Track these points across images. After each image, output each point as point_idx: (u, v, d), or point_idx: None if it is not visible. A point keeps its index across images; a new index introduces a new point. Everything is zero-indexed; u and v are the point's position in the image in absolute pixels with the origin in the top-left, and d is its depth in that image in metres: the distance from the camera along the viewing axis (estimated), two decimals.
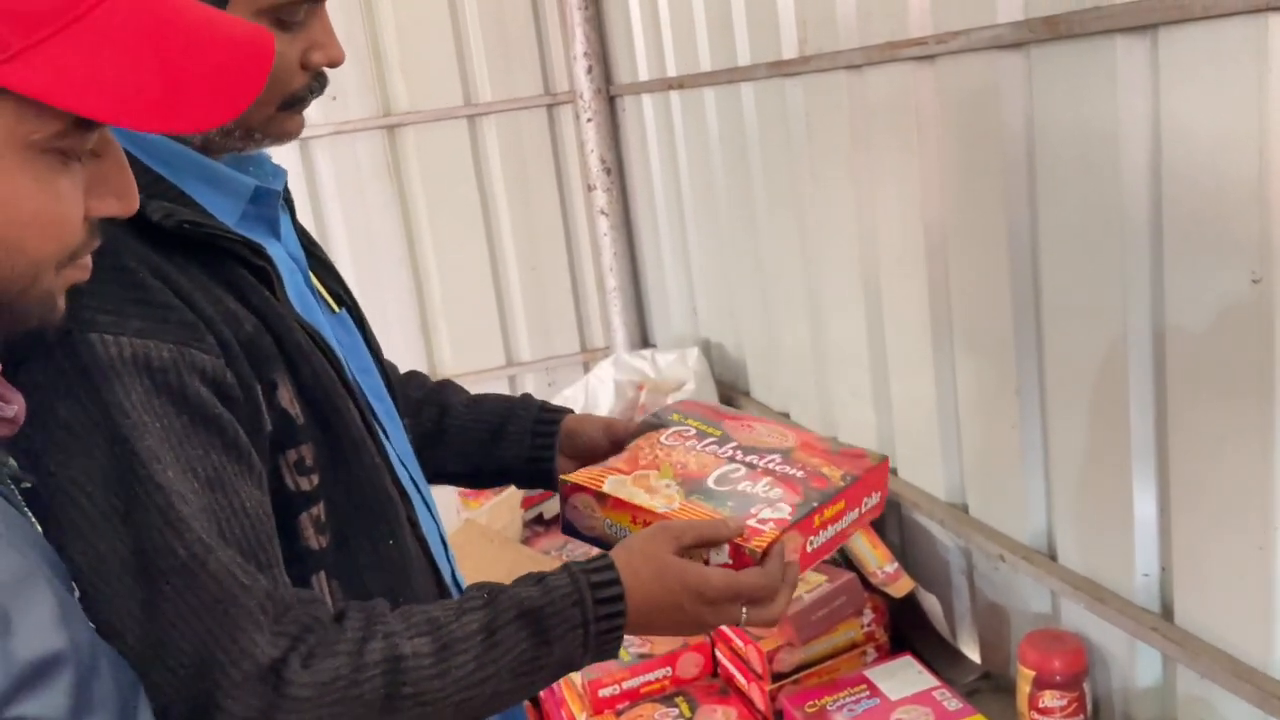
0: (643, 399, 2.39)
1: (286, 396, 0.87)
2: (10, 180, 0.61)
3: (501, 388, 2.81)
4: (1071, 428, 1.36)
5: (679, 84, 2.29)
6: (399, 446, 1.03)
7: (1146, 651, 1.32)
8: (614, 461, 1.10)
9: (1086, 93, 1.22)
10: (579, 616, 0.86)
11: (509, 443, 1.20)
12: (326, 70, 0.93)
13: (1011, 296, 1.41)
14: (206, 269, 0.85)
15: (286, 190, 1.02)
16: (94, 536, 0.76)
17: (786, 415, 2.11)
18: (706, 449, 1.11)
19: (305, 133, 2.89)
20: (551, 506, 2.52)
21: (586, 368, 2.80)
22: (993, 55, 1.34)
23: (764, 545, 0.94)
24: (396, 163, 2.72)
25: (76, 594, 0.75)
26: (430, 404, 1.24)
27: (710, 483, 1.05)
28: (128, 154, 0.85)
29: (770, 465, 1.08)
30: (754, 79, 1.96)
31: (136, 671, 0.77)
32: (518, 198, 2.81)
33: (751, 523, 0.98)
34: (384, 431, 0.99)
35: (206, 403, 0.80)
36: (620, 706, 1.66)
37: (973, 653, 1.67)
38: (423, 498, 1.05)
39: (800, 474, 1.07)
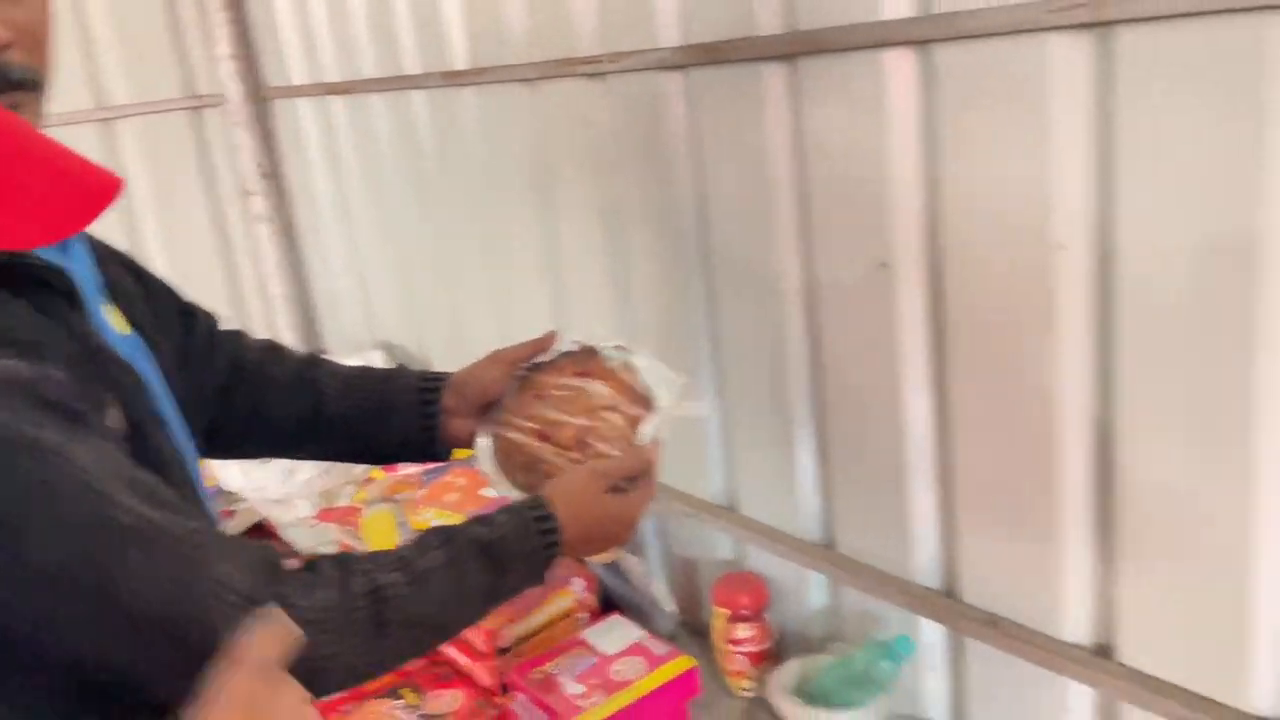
0: None
1: (115, 417, 0.84)
2: None
3: None
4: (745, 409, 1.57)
5: (343, 89, 2.29)
6: (198, 481, 1.01)
7: (816, 579, 1.56)
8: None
9: (740, 111, 1.40)
10: (525, 548, 0.99)
11: (393, 427, 1.20)
12: None
13: (685, 284, 1.58)
14: (20, 295, 0.81)
15: None
16: (24, 549, 0.72)
17: None
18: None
19: None
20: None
21: None
22: (658, 75, 1.50)
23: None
24: None
25: None
26: (301, 390, 1.22)
27: None
28: None
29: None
30: (426, 87, 2.01)
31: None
32: (165, 206, 2.66)
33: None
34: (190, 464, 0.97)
35: (74, 405, 0.78)
36: (345, 707, 1.65)
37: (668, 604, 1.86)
38: None
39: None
